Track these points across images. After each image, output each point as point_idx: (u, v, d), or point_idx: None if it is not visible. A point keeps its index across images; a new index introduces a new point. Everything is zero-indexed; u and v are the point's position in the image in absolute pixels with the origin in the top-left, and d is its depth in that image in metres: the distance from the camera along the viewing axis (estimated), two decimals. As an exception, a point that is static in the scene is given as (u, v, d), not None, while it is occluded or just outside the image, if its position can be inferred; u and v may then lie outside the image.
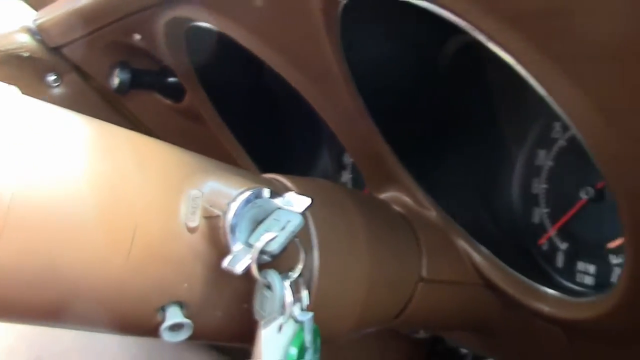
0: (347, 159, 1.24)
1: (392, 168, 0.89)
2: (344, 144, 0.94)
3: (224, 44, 0.96)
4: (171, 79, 1.18)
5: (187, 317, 0.61)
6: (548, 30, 0.55)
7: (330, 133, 1.15)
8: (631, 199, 0.66)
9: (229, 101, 1.14)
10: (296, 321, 0.60)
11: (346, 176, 1.25)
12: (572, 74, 0.56)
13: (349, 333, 0.77)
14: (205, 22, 0.91)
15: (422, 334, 1.42)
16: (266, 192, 0.61)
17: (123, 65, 1.16)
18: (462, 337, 1.15)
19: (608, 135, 0.60)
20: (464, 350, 1.29)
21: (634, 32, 0.50)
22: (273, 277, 0.59)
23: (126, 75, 1.16)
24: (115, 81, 1.17)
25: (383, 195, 0.93)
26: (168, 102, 1.20)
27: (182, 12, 0.93)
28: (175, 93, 1.18)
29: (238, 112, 1.16)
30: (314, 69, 0.82)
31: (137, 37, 1.07)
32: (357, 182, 1.22)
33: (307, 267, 0.65)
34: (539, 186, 0.95)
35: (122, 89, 1.16)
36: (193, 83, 1.10)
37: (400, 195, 0.91)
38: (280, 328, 0.59)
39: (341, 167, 1.25)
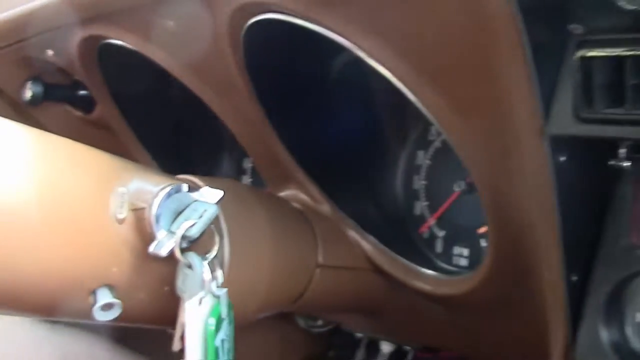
0: (247, 164, 1.35)
1: (289, 169, 1.00)
2: (246, 148, 1.05)
3: (134, 58, 1.05)
4: (82, 92, 1.25)
5: (116, 298, 0.70)
6: (415, 48, 0.68)
7: (231, 141, 1.26)
8: (489, 191, 0.80)
9: (137, 111, 1.23)
10: (214, 295, 0.70)
11: (246, 179, 1.35)
12: (434, 84, 0.69)
13: (257, 312, 0.87)
14: (120, 40, 1.00)
15: (320, 327, 1.53)
16: (184, 187, 0.71)
17: (35, 78, 1.23)
18: (357, 321, 1.27)
19: (467, 135, 0.74)
20: (359, 335, 1.41)
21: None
22: (193, 258, 0.69)
23: (38, 89, 1.23)
24: (28, 94, 1.23)
25: (282, 193, 1.04)
26: (79, 113, 1.28)
27: (96, 30, 1.02)
28: (86, 105, 1.26)
29: (146, 122, 1.25)
30: (220, 82, 0.92)
31: (50, 52, 1.14)
32: (256, 185, 1.32)
33: (220, 251, 0.75)
34: (419, 182, 1.08)
35: (34, 101, 1.23)
36: (104, 95, 1.18)
37: (297, 193, 1.03)
38: (200, 301, 0.69)
39: (241, 171, 1.36)
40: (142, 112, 1.25)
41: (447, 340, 1.13)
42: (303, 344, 1.56)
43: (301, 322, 1.52)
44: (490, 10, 0.60)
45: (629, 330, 0.80)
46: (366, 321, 1.23)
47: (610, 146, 0.71)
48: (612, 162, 0.72)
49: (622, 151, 0.71)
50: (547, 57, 0.63)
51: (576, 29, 0.62)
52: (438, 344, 1.21)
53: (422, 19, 0.65)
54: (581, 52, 0.62)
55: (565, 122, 0.65)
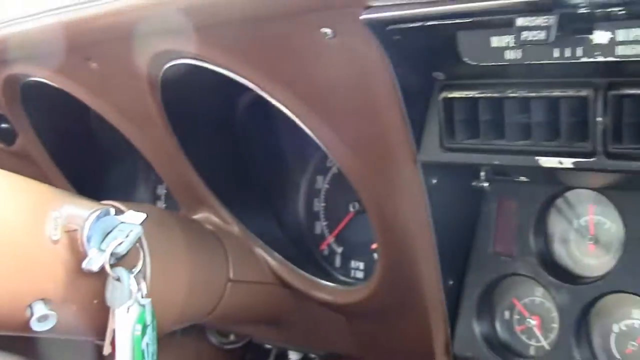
0: (161, 190, 1.46)
1: (202, 194, 1.12)
2: (162, 176, 1.16)
3: (56, 94, 1.14)
4: (3, 125, 1.33)
5: (51, 310, 0.80)
6: (311, 93, 0.81)
7: (146, 170, 1.37)
8: (376, 211, 0.93)
9: (58, 143, 1.32)
10: (139, 304, 0.81)
11: (161, 204, 1.46)
12: (327, 122, 0.82)
13: (175, 322, 0.98)
14: (43, 79, 1.10)
15: (231, 343, 1.63)
16: (112, 211, 0.82)
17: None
18: (266, 333, 1.38)
19: (355, 164, 0.87)
20: (268, 347, 1.52)
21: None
22: (122, 272, 0.80)
23: (-41, 123, 1.30)
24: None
25: (195, 216, 1.15)
26: (0, 145, 1.36)
27: (21, 69, 1.11)
28: (7, 137, 1.34)
29: (66, 152, 1.35)
30: (139, 118, 1.03)
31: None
32: (170, 209, 1.43)
33: (143, 266, 0.86)
34: (319, 204, 1.22)
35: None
36: (25, 128, 1.27)
37: (209, 215, 1.14)
38: (128, 310, 0.80)
39: (156, 197, 1.46)
40: (62, 143, 1.35)
41: (348, 347, 1.26)
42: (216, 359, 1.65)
43: (213, 339, 1.62)
44: (369, 63, 0.73)
45: (498, 325, 0.96)
46: (275, 333, 1.34)
47: (473, 170, 0.85)
48: (474, 183, 0.86)
49: (482, 174, 0.85)
50: (416, 98, 0.77)
51: (439, 75, 0.75)
52: (341, 351, 1.34)
53: (315, 69, 0.78)
54: (444, 94, 0.76)
55: (433, 151, 0.79)
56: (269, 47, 0.80)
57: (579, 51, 0.61)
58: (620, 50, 0.58)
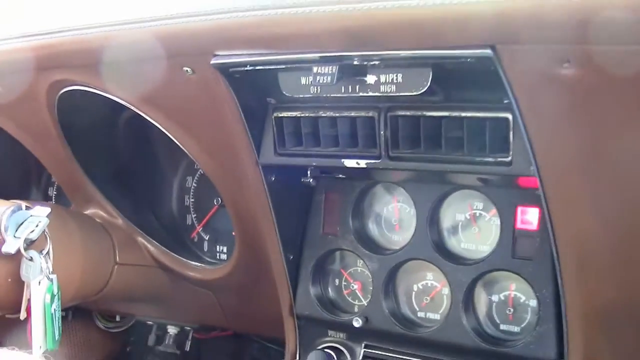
0: (52, 192, 1.66)
1: (91, 193, 1.35)
2: (57, 180, 1.39)
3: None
4: None
5: (-25, 288, 1.02)
6: (175, 111, 1.07)
7: (38, 176, 1.58)
8: (232, 204, 1.19)
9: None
10: (48, 278, 1.04)
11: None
12: (189, 134, 1.08)
13: (73, 298, 1.21)
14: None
15: (117, 327, 1.82)
16: (23, 206, 1.05)
17: None
18: (148, 311, 1.62)
19: (213, 167, 1.13)
20: (149, 323, 1.75)
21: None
22: (34, 253, 1.03)
23: None
24: None
25: (86, 212, 1.38)
26: None
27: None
28: None
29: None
30: (37, 130, 1.26)
31: None
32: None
33: (48, 250, 1.09)
34: (189, 200, 1.46)
35: None
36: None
37: (98, 211, 1.37)
38: (39, 282, 1.03)
39: (48, 198, 1.67)
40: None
41: (217, 318, 1.51)
42: (103, 344, 1.85)
43: (100, 324, 1.82)
44: (218, 92, 0.99)
45: (329, 289, 1.21)
46: (155, 310, 1.58)
47: (301, 170, 1.12)
48: (303, 180, 1.13)
49: (309, 173, 1.12)
50: (255, 117, 1.03)
51: (271, 101, 1.02)
52: (212, 323, 1.59)
53: (180, 96, 1.04)
54: (275, 114, 1.03)
55: (269, 156, 1.06)
56: (145, 79, 1.04)
57: (357, 88, 0.89)
58: (382, 87, 0.87)
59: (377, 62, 0.85)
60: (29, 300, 1.03)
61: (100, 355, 1.85)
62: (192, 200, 1.45)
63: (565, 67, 0.72)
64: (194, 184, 1.45)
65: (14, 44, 1.09)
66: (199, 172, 1.43)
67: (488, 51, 0.75)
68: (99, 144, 1.32)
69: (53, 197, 1.66)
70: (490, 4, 0.70)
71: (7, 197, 1.14)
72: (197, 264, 1.38)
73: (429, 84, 0.85)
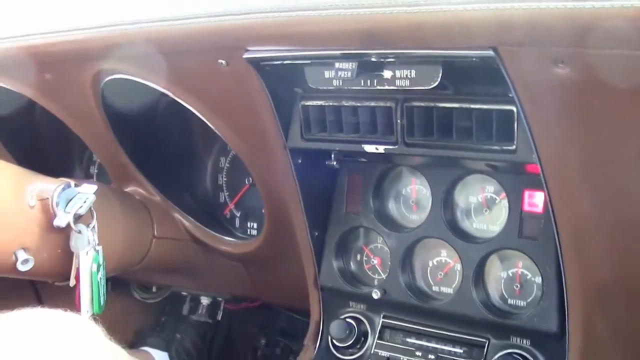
0: (93, 170, 1.77)
1: (132, 173, 1.45)
2: (101, 160, 1.50)
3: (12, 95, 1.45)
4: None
5: (30, 255, 1.13)
6: (211, 99, 1.16)
7: (81, 155, 1.69)
8: (262, 184, 1.29)
9: (7, 133, 1.63)
10: (94, 250, 1.15)
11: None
12: (224, 120, 1.18)
13: (116, 269, 1.32)
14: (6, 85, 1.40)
15: (153, 298, 1.94)
16: (72, 184, 1.15)
17: None
18: (182, 282, 1.73)
19: (246, 150, 1.23)
20: (183, 294, 1.86)
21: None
22: (82, 227, 1.14)
23: None
24: None
25: (126, 189, 1.49)
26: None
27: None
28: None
29: (14, 139, 1.65)
30: (82, 115, 1.36)
31: None
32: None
33: (94, 224, 1.19)
34: (222, 179, 1.56)
35: None
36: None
37: (137, 189, 1.48)
38: (87, 253, 1.13)
39: (89, 176, 1.78)
40: (11, 133, 1.65)
41: (247, 289, 1.61)
42: (140, 313, 1.97)
43: (137, 295, 1.94)
44: (250, 82, 1.08)
45: (351, 264, 1.30)
46: (189, 281, 1.69)
47: (326, 153, 1.22)
48: (327, 163, 1.23)
49: (333, 156, 1.22)
50: (284, 105, 1.13)
51: (298, 90, 1.12)
52: (241, 293, 1.69)
53: (216, 86, 1.13)
54: (302, 103, 1.12)
55: (296, 141, 1.15)
56: (183, 70, 1.14)
57: (375, 82, 0.98)
58: (397, 82, 0.96)
59: (392, 60, 0.94)
60: (77, 269, 1.14)
61: (137, 325, 1.96)
62: (225, 179, 1.55)
63: (560, 66, 0.80)
64: (226, 165, 1.55)
65: (62, 36, 1.19)
66: (231, 153, 1.53)
67: (490, 52, 0.83)
68: (139, 128, 1.42)
69: (94, 175, 1.76)
70: (492, 11, 0.78)
71: (52, 174, 1.24)
72: (229, 238, 1.48)
73: (439, 79, 0.94)
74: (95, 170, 1.77)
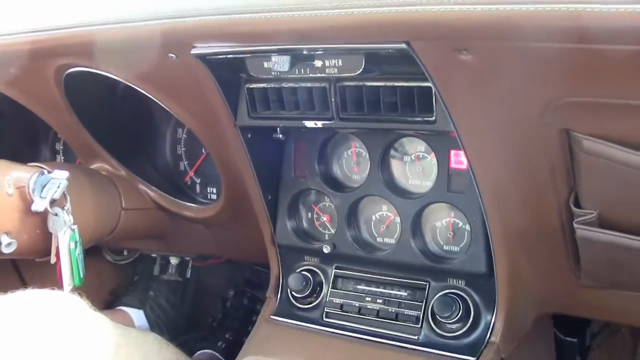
0: (59, 147, 1.88)
1: (97, 151, 1.57)
2: (68, 141, 1.61)
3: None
4: None
5: (12, 239, 1.25)
6: (164, 84, 1.28)
7: (46, 133, 1.79)
8: (216, 155, 1.41)
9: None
10: (71, 229, 1.27)
11: (59, 158, 1.88)
12: (177, 102, 1.30)
13: (89, 241, 1.44)
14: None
15: (124, 259, 2.06)
16: (45, 171, 1.27)
17: None
18: (152, 246, 1.84)
19: (199, 127, 1.35)
20: (153, 255, 1.99)
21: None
22: (58, 209, 1.26)
23: None
24: None
25: (92, 166, 1.60)
26: None
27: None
28: None
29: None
30: (47, 103, 1.47)
31: None
32: (67, 161, 1.85)
33: (68, 205, 1.31)
34: (181, 149, 1.67)
35: None
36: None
37: (103, 165, 1.60)
38: (64, 233, 1.26)
39: (55, 151, 1.89)
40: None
41: (211, 248, 1.75)
42: (113, 275, 2.09)
43: (109, 257, 2.05)
44: (198, 72, 1.20)
45: (303, 222, 1.42)
46: (158, 244, 1.81)
47: (272, 128, 1.34)
48: (274, 136, 1.36)
49: (279, 130, 1.35)
50: (230, 87, 1.24)
51: (243, 75, 1.24)
52: (206, 252, 1.83)
53: (168, 75, 1.25)
54: (247, 85, 1.24)
55: (244, 119, 1.28)
56: (137, 63, 1.26)
57: (308, 71, 1.11)
58: (327, 70, 1.10)
59: (321, 52, 1.08)
60: (57, 248, 1.27)
61: (111, 286, 2.07)
62: (184, 149, 1.67)
63: (463, 53, 0.93)
64: (184, 135, 1.66)
65: (23, 37, 1.29)
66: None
67: (403, 45, 0.96)
68: (101, 110, 1.54)
69: (60, 151, 1.88)
70: (403, 12, 0.91)
71: (20, 150, 1.33)
72: (191, 204, 1.61)
73: (363, 66, 1.08)
74: (61, 147, 1.88)
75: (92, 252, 1.93)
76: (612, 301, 1.27)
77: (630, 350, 1.71)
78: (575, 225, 1.09)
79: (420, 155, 1.30)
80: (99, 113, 1.53)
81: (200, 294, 2.10)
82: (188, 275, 1.99)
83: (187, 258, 1.95)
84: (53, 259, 1.28)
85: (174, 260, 1.95)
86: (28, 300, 1.02)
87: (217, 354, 1.81)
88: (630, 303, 1.25)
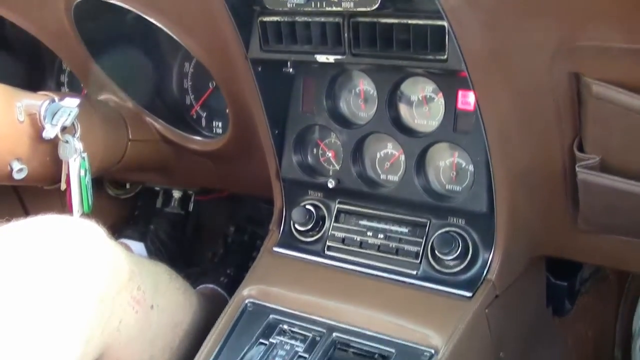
0: (64, 79, 1.88)
1: (105, 82, 1.58)
2: (75, 72, 1.61)
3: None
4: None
5: (23, 165, 1.27)
6: (175, 14, 1.29)
7: (52, 64, 1.79)
8: (225, 86, 1.43)
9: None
10: (81, 156, 1.29)
11: (64, 89, 1.89)
12: (188, 33, 1.31)
13: (98, 170, 1.46)
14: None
15: (126, 193, 2.08)
16: (56, 98, 1.28)
17: None
18: (155, 178, 1.87)
19: (209, 59, 1.36)
20: (156, 189, 2.01)
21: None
22: (69, 136, 1.28)
23: None
24: None
25: (100, 98, 1.61)
26: None
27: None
28: None
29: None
30: (56, 32, 1.47)
31: None
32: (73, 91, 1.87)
33: (78, 133, 1.33)
34: (187, 83, 1.68)
35: None
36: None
37: (111, 96, 1.61)
38: (75, 160, 1.28)
39: (60, 83, 1.90)
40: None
41: (215, 182, 1.77)
42: (115, 209, 2.11)
43: (111, 192, 2.07)
44: (211, 1, 1.21)
45: (308, 157, 1.43)
46: (162, 177, 1.83)
47: (283, 62, 1.35)
48: (284, 69, 1.36)
49: (289, 64, 1.36)
50: (244, 20, 1.25)
51: (257, 7, 1.25)
52: (210, 186, 1.85)
53: (178, 3, 1.25)
54: (260, 18, 1.25)
55: (256, 52, 1.29)
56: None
57: (324, 4, 1.12)
58: (343, 4, 1.11)
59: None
60: (67, 175, 1.29)
61: (112, 220, 2.08)
62: (190, 83, 1.68)
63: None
64: (191, 69, 1.67)
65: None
66: (194, 59, 1.65)
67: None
68: (110, 41, 1.54)
69: (65, 83, 1.88)
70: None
71: (25, 82, 1.34)
72: (196, 137, 1.63)
73: (379, 2, 1.09)
74: (66, 79, 1.88)
75: (93, 187, 1.96)
76: (606, 246, 1.30)
77: (616, 295, 1.77)
78: (577, 169, 1.12)
79: (428, 96, 1.31)
80: (108, 43, 1.54)
81: (201, 229, 2.13)
82: (190, 208, 2.02)
83: (190, 192, 1.97)
84: (63, 186, 1.30)
85: (176, 194, 1.97)
86: (47, 224, 1.04)
87: (219, 289, 1.84)
88: (623, 248, 1.28)
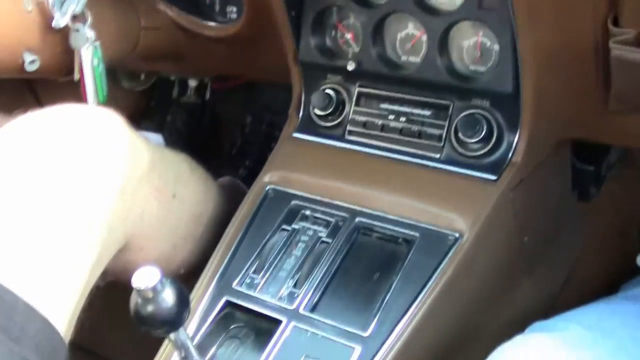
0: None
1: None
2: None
3: None
4: None
5: (35, 55, 1.24)
6: None
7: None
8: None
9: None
10: (93, 45, 1.26)
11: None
12: None
13: (111, 60, 1.43)
14: None
15: (141, 85, 2.04)
16: (65, -12, 1.25)
17: None
18: (171, 67, 1.82)
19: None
20: (172, 79, 1.97)
21: None
22: (79, 25, 1.24)
23: None
24: None
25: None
26: None
27: None
28: None
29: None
30: None
31: None
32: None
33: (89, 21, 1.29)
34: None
35: None
36: None
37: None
38: (87, 48, 1.25)
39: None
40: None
41: (231, 68, 1.73)
42: (130, 102, 2.07)
43: (125, 84, 2.00)
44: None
45: (326, 37, 1.39)
46: (177, 66, 1.79)
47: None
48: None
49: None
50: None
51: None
52: (225, 72, 1.82)
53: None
54: None
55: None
56: None
57: None
58: None
59: None
60: (80, 64, 1.26)
61: (128, 113, 1.96)
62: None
63: None
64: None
65: None
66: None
67: None
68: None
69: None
70: None
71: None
72: (210, 23, 1.57)
73: None
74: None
75: (108, 80, 1.94)
76: (637, 127, 1.26)
77: (644, 183, 1.73)
78: (611, 45, 1.07)
79: (451, -31, 1.26)
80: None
81: (218, 120, 2.10)
82: (207, 97, 1.99)
83: (206, 80, 1.94)
84: (77, 76, 1.28)
85: (192, 83, 1.95)
86: (65, 112, 1.02)
87: (238, 181, 1.84)
88: (655, 129, 1.25)
